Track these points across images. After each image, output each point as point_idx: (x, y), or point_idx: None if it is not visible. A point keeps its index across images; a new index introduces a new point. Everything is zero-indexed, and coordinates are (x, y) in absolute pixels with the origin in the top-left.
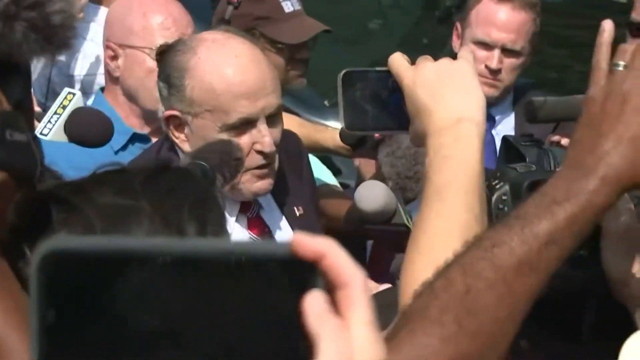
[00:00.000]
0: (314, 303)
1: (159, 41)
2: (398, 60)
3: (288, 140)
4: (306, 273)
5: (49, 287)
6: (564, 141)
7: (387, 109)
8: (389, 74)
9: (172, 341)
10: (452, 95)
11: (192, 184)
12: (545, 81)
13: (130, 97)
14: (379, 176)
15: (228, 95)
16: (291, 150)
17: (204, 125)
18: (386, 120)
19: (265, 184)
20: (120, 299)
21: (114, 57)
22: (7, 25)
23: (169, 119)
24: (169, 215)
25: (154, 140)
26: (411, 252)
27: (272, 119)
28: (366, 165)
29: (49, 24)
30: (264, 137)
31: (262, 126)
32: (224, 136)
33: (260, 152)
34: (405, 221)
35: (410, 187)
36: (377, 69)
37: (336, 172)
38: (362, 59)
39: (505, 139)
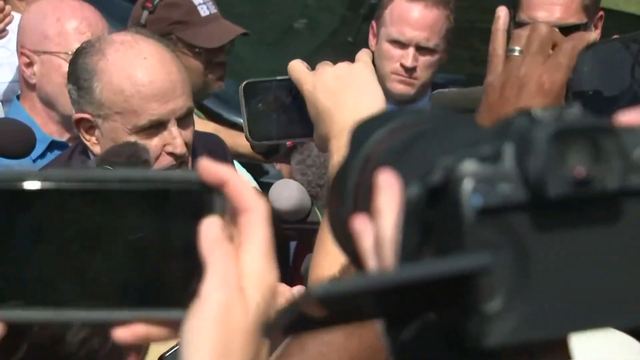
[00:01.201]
0: (208, 229)
1: (75, 46)
2: (297, 67)
3: (212, 142)
4: (208, 200)
5: None
6: None
7: (291, 116)
8: (290, 81)
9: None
10: (351, 98)
11: None
12: (477, 77)
13: (48, 103)
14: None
15: (137, 97)
16: (215, 151)
17: (114, 127)
18: (290, 128)
19: None
20: (20, 228)
21: (30, 64)
22: None
23: (79, 121)
24: None
25: None
26: (318, 252)
27: (183, 120)
28: (286, 168)
29: None
30: (175, 139)
31: (173, 128)
32: (134, 138)
33: (171, 154)
34: (321, 219)
35: (322, 194)
36: (278, 77)
37: (264, 173)
38: (287, 59)
39: None
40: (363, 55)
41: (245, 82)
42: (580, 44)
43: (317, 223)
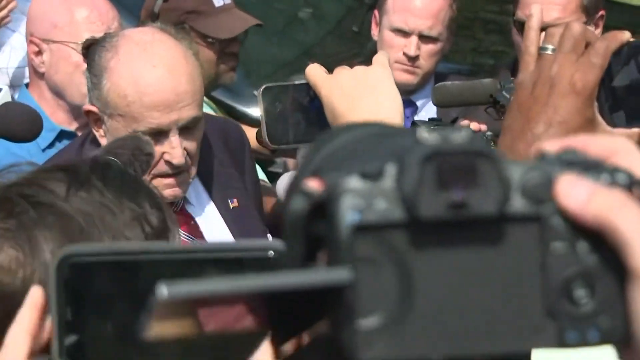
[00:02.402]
0: None
1: (85, 35)
2: (315, 71)
3: (230, 131)
4: None
5: (66, 288)
6: (473, 125)
7: (309, 120)
8: (307, 85)
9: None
10: (368, 101)
11: (129, 176)
12: (481, 67)
13: (57, 92)
14: None
15: (139, 104)
16: (233, 142)
17: (117, 127)
18: (309, 132)
19: (172, 192)
20: (130, 299)
21: (38, 53)
22: None
23: (88, 113)
24: (132, 206)
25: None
26: None
27: (188, 130)
28: (293, 160)
29: None
30: (173, 149)
31: (173, 137)
32: None
33: (168, 163)
34: None
35: None
36: (296, 82)
37: (270, 163)
38: (292, 49)
39: (413, 123)
40: (380, 58)
41: (263, 87)
42: (613, 44)
43: None
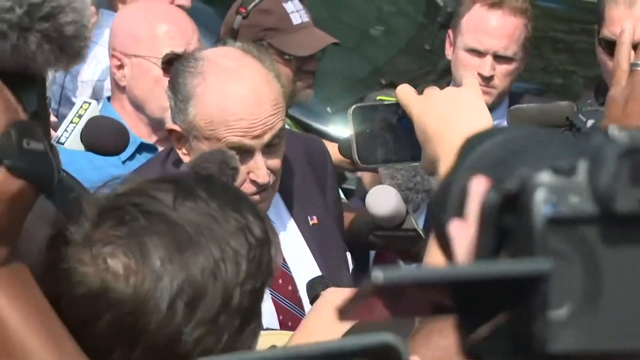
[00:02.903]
0: None
1: (165, 50)
2: (406, 91)
3: (313, 147)
4: None
5: None
6: None
7: (399, 140)
8: (397, 106)
9: None
10: (461, 120)
11: (231, 188)
12: (550, 86)
13: (137, 106)
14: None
15: (223, 128)
16: (316, 158)
17: (201, 147)
18: (398, 152)
19: None
20: None
21: (120, 66)
22: (21, 36)
23: (171, 131)
24: (236, 216)
25: (160, 149)
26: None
27: (272, 147)
28: (369, 175)
29: (62, 34)
30: (259, 169)
31: (258, 157)
32: None
33: (254, 182)
34: (415, 226)
35: (412, 198)
36: (386, 102)
37: (343, 179)
38: (364, 66)
39: None
40: (471, 80)
41: (353, 107)
42: None
43: (412, 230)
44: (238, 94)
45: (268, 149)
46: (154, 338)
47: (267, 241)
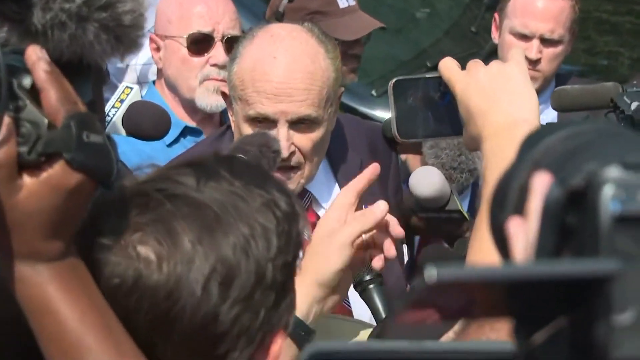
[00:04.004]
0: None
1: (193, 29)
2: (449, 66)
3: (378, 136)
4: None
5: None
6: None
7: (440, 115)
8: (439, 80)
9: None
10: (506, 98)
11: (254, 166)
12: (595, 68)
13: (172, 87)
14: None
15: (251, 89)
16: (380, 147)
17: (237, 110)
18: (439, 127)
19: None
20: None
21: (157, 49)
22: (80, 26)
23: (225, 96)
24: (261, 192)
25: (204, 132)
26: (473, 254)
27: (302, 127)
28: (413, 159)
29: (120, 24)
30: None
31: (282, 129)
32: (247, 126)
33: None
34: (460, 207)
35: (456, 177)
36: (427, 75)
37: None
38: (409, 48)
39: None
40: (516, 55)
41: (394, 80)
42: None
43: (456, 211)
44: (272, 56)
45: (297, 128)
46: (191, 321)
47: (294, 215)
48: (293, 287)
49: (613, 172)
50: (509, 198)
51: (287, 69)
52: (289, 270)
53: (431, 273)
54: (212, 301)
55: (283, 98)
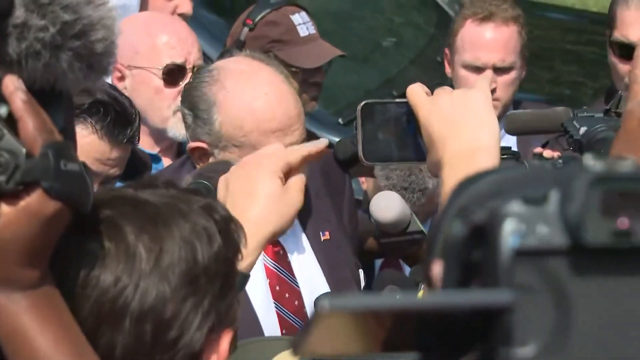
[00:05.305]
0: None
1: (165, 61)
2: (416, 91)
3: (332, 162)
4: None
5: None
6: (546, 153)
7: (406, 140)
8: (407, 105)
9: None
10: (466, 126)
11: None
12: (560, 97)
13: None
14: (377, 190)
15: (257, 133)
16: (333, 173)
17: (230, 158)
18: (405, 151)
19: None
20: None
21: (121, 78)
22: (54, 55)
23: (194, 150)
24: (198, 199)
25: (164, 159)
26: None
27: None
28: (369, 182)
29: (93, 52)
30: None
31: None
32: None
33: None
34: (421, 227)
35: (408, 197)
36: (397, 100)
37: None
38: (375, 77)
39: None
40: (481, 83)
41: (363, 102)
42: None
43: (417, 232)
44: (262, 93)
45: None
46: (139, 307)
47: (231, 219)
48: (235, 285)
49: (514, 206)
50: (436, 242)
51: (281, 100)
52: (231, 265)
53: (323, 304)
54: (158, 286)
55: (287, 131)
